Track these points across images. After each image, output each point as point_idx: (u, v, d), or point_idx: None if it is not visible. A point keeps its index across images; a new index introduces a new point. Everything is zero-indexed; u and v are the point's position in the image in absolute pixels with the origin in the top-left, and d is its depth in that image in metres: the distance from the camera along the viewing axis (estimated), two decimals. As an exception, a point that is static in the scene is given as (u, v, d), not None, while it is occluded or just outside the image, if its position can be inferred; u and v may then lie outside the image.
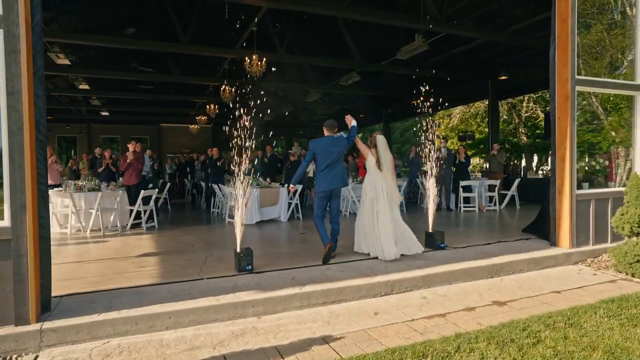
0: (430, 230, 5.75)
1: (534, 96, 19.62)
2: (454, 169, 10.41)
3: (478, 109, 21.53)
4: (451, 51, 11.83)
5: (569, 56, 5.45)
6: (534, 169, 20.74)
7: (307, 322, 3.63)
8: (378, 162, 5.34)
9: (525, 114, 20.74)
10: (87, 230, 7.38)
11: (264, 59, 10.60)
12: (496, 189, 9.98)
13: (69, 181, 9.36)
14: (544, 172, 19.13)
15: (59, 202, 7.56)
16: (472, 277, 4.73)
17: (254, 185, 8.82)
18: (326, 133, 5.27)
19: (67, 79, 14.60)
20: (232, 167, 4.61)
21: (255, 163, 11.51)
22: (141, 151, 8.81)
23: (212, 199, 10.30)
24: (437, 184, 5.95)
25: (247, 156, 4.66)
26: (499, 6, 9.27)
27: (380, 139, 5.42)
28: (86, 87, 14.35)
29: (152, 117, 23.40)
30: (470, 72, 13.55)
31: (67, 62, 10.64)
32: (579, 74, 5.67)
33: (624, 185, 5.31)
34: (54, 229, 7.40)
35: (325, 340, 3.25)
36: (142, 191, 7.57)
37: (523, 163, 21.21)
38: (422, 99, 5.85)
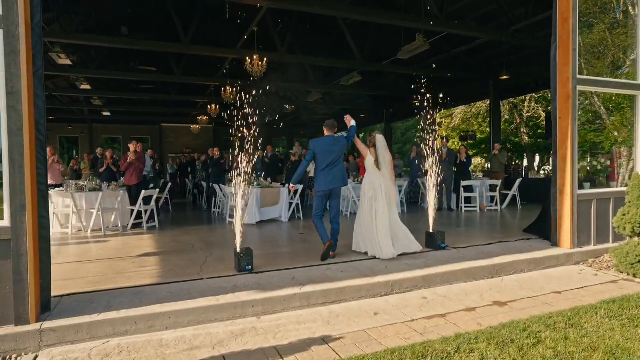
0: (430, 231, 5.73)
1: (536, 96, 19.58)
2: (455, 169, 10.39)
3: (479, 109, 21.50)
4: (452, 51, 11.82)
5: (570, 55, 5.43)
6: (536, 169, 20.70)
7: (307, 322, 3.62)
8: (377, 161, 5.37)
9: (527, 114, 20.69)
10: (88, 230, 7.40)
11: (265, 59, 10.60)
12: (497, 189, 9.95)
13: (70, 181, 9.38)
14: (546, 172, 19.10)
15: (60, 202, 7.57)
16: (472, 278, 4.72)
17: (254, 185, 8.82)
18: (326, 133, 5.30)
19: (68, 79, 14.64)
20: (228, 166, 4.61)
21: (255, 163, 11.53)
22: (142, 151, 8.82)
23: (213, 199, 10.30)
24: (439, 185, 5.94)
25: (247, 156, 4.66)
26: (499, 6, 9.25)
27: (380, 139, 5.44)
28: (87, 87, 14.39)
29: (153, 117, 23.45)
30: (471, 72, 13.53)
31: (68, 62, 10.66)
32: (580, 73, 5.65)
33: (627, 186, 5.29)
34: (55, 228, 7.44)
35: (324, 340, 3.25)
36: (143, 191, 7.58)
37: (525, 163, 21.18)
38: (422, 98, 5.84)
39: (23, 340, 3.10)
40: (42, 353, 3.09)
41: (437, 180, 5.70)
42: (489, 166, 11.61)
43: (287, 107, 18.34)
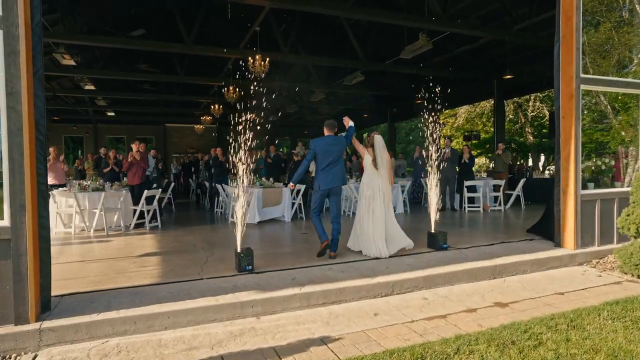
0: (432, 231, 5.70)
1: (541, 95, 19.45)
2: (458, 169, 10.34)
3: (484, 109, 21.40)
4: (455, 50, 11.77)
5: (573, 54, 5.38)
6: (541, 168, 20.56)
7: (306, 322, 3.61)
8: (374, 161, 5.42)
9: (532, 114, 20.57)
10: (91, 230, 7.42)
11: (267, 59, 10.60)
12: (501, 189, 9.89)
13: (74, 181, 9.42)
14: (551, 172, 18.95)
15: (64, 202, 7.61)
16: (474, 278, 4.68)
17: (257, 185, 8.83)
18: (326, 133, 5.36)
19: (73, 80, 14.72)
20: (229, 166, 4.62)
21: (258, 163, 11.54)
22: (145, 151, 8.85)
23: (216, 198, 10.32)
24: (441, 185, 5.92)
25: (249, 156, 4.66)
26: (502, 5, 9.19)
27: (378, 139, 5.49)
28: (92, 87, 14.46)
29: (157, 118, 23.55)
30: (475, 71, 13.46)
31: (72, 62, 10.72)
32: (586, 72, 5.60)
33: (631, 186, 5.23)
34: (59, 228, 7.49)
35: (323, 341, 3.23)
36: (146, 191, 7.60)
37: (530, 163, 21.05)
38: (425, 98, 5.83)
39: (23, 340, 3.11)
40: (41, 352, 3.10)
41: (439, 180, 5.68)
42: (493, 166, 11.55)
43: (283, 108, 18.31)
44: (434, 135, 5.74)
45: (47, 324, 3.21)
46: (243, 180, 4.60)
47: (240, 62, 10.41)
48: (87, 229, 7.44)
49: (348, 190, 9.13)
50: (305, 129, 26.09)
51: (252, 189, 8.58)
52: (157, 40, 10.79)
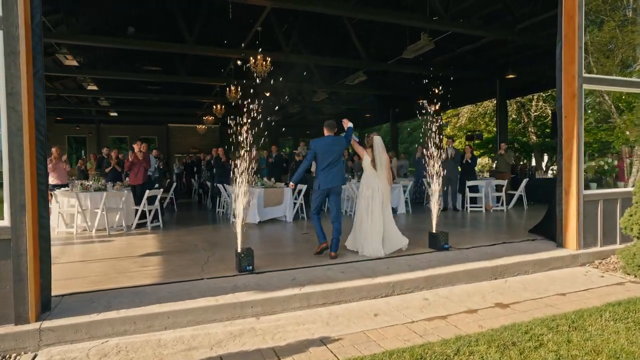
0: (434, 231, 5.68)
1: (544, 95, 19.36)
2: (460, 169, 10.30)
3: (486, 108, 21.32)
4: (458, 50, 11.73)
5: (575, 54, 5.34)
6: (544, 168, 20.47)
7: (306, 323, 3.60)
8: (373, 161, 5.47)
9: (535, 113, 20.48)
10: (93, 230, 7.45)
11: (269, 59, 10.60)
12: (503, 189, 9.84)
13: (76, 181, 9.45)
14: (554, 171, 18.85)
15: (66, 202, 7.63)
16: (475, 279, 4.66)
17: (258, 185, 8.83)
18: (326, 133, 5.41)
19: (76, 80, 14.78)
20: (229, 166, 4.62)
21: (259, 163, 11.54)
22: (147, 151, 8.87)
23: (218, 198, 10.33)
24: (443, 185, 5.91)
25: (250, 156, 4.66)
26: (505, 4, 9.16)
27: (377, 140, 5.53)
28: (94, 87, 14.53)
29: (160, 118, 23.61)
30: (477, 71, 13.42)
31: (74, 63, 10.77)
32: (590, 72, 5.57)
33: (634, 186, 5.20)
34: (61, 228, 7.52)
35: (323, 341, 3.22)
36: (147, 191, 7.61)
37: (533, 163, 20.96)
38: (427, 97, 5.82)
39: (23, 340, 3.12)
40: (41, 352, 3.10)
41: (442, 179, 5.68)
42: (495, 166, 11.50)
43: (286, 108, 18.28)
44: (436, 135, 5.74)
45: (47, 323, 3.21)
46: (243, 180, 4.59)
47: (238, 63, 10.41)
48: (89, 229, 7.47)
49: (350, 189, 9.11)
50: (307, 129, 26.08)
51: (253, 189, 8.59)
52: (158, 40, 10.82)
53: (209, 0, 9.93)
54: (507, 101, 15.45)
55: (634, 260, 4.74)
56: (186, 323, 3.51)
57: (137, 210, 7.83)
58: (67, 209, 7.58)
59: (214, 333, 3.39)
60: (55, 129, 21.37)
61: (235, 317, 3.65)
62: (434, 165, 5.65)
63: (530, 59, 11.97)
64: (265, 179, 9.53)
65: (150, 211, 7.84)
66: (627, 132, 6.78)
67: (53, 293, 3.62)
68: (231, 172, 4.59)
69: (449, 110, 21.20)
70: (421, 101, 6.02)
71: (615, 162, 6.36)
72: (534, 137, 20.86)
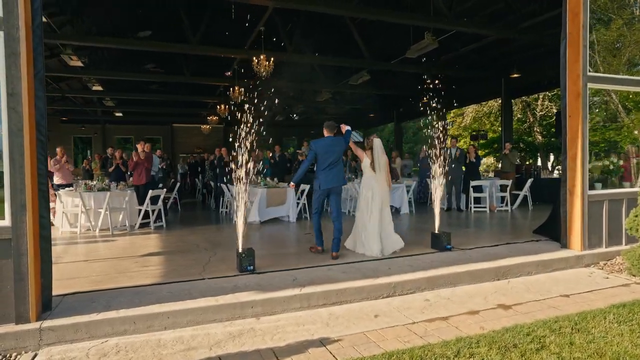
0: (436, 231, 5.64)
1: (549, 94, 19.20)
2: (464, 169, 10.24)
3: (491, 108, 21.19)
4: (462, 49, 11.66)
5: (580, 52, 5.28)
6: (550, 168, 20.31)
7: (306, 323, 3.59)
8: (372, 163, 5.51)
9: (540, 113, 20.31)
10: (96, 230, 7.48)
11: (272, 59, 10.60)
12: (508, 189, 9.77)
13: (80, 181, 9.51)
14: (560, 171, 18.68)
15: (70, 202, 7.68)
16: (477, 280, 4.62)
17: (261, 185, 8.83)
18: (326, 134, 5.46)
19: (81, 81, 14.88)
20: (229, 167, 4.63)
21: (262, 163, 11.53)
22: (150, 151, 8.89)
23: (221, 198, 10.34)
24: (447, 185, 5.89)
25: (253, 156, 4.67)
26: (508, 3, 9.09)
27: (377, 142, 5.59)
28: (99, 88, 14.60)
29: (165, 118, 23.72)
30: (481, 70, 13.32)
31: (79, 64, 10.81)
32: (596, 71, 5.50)
33: None
34: (65, 227, 7.56)
35: (322, 342, 3.21)
36: (150, 191, 7.64)
37: (539, 162, 20.80)
38: (431, 97, 5.80)
39: (23, 339, 3.14)
40: (41, 352, 3.12)
41: (445, 179, 5.66)
42: (500, 166, 11.42)
43: (290, 108, 18.25)
44: (441, 135, 5.71)
45: (47, 323, 3.22)
46: (243, 180, 4.59)
47: (239, 65, 10.42)
48: (93, 229, 7.50)
49: (353, 190, 9.09)
50: (311, 129, 26.06)
51: (256, 188, 8.59)
52: (163, 41, 10.86)
53: (212, 1, 9.95)
54: (512, 100, 15.33)
55: (639, 261, 4.68)
56: (186, 323, 3.50)
57: (140, 210, 7.86)
58: (71, 209, 7.62)
59: (214, 333, 3.39)
60: (61, 129, 21.55)
61: (235, 317, 3.64)
62: (437, 165, 5.62)
63: (535, 58, 11.87)
64: (268, 179, 9.53)
65: (153, 211, 7.86)
66: (635, 132, 6.70)
67: (54, 292, 3.63)
68: (226, 172, 4.60)
69: (454, 110, 21.09)
70: (425, 101, 6.00)
71: (621, 162, 6.28)
72: (540, 137, 20.69)
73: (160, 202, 7.97)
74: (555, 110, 19.36)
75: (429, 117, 5.87)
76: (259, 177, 9.49)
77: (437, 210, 5.72)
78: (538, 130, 20.81)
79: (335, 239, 5.19)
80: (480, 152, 14.48)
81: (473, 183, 9.66)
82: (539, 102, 20.14)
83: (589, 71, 5.42)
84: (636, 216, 4.88)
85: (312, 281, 4.22)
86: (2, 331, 3.11)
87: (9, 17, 3.14)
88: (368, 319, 3.66)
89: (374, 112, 20.68)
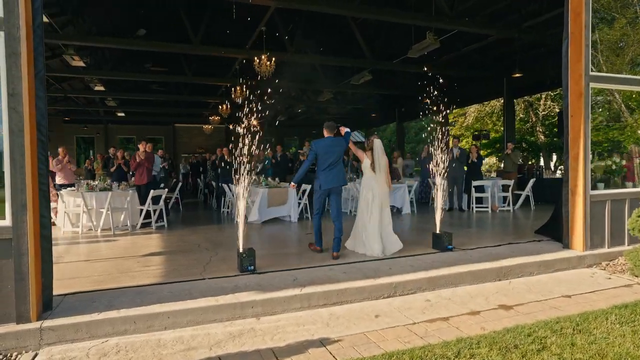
0: (437, 231, 5.63)
1: (552, 94, 19.14)
2: (466, 169, 10.21)
3: (494, 108, 21.14)
4: (464, 49, 11.63)
5: (582, 52, 5.26)
6: (552, 168, 20.24)
7: (306, 323, 3.58)
8: (373, 164, 5.52)
9: (543, 112, 20.25)
10: (98, 230, 7.50)
11: (273, 59, 10.59)
12: (510, 189, 9.74)
13: (82, 181, 9.53)
14: (562, 171, 18.62)
15: (71, 202, 7.70)
16: (479, 280, 4.61)
17: (262, 185, 8.83)
18: (326, 134, 5.47)
19: (83, 81, 14.92)
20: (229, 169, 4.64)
21: (265, 163, 11.54)
22: (152, 151, 8.91)
23: (223, 198, 10.35)
24: (449, 185, 5.89)
25: (255, 156, 4.68)
26: (510, 2, 9.06)
27: (377, 143, 5.59)
28: (101, 88, 14.64)
29: (167, 118, 23.77)
30: (484, 70, 13.29)
31: (81, 64, 10.86)
32: (599, 70, 5.47)
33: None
34: (67, 227, 7.58)
35: (322, 342, 3.20)
36: (152, 191, 7.65)
37: (541, 162, 20.74)
38: (433, 97, 5.79)
39: (24, 339, 3.14)
40: (42, 351, 3.12)
41: (446, 179, 5.66)
42: (503, 166, 11.39)
43: (291, 108, 18.21)
44: (442, 135, 5.70)
45: (47, 323, 3.23)
46: (244, 180, 4.59)
47: (241, 66, 10.42)
48: (95, 229, 7.52)
49: (354, 190, 9.08)
50: (313, 129, 26.07)
51: (257, 188, 8.59)
52: (164, 41, 10.87)
53: (212, 1, 9.95)
54: (515, 100, 15.28)
55: (641, 261, 4.65)
56: (186, 323, 3.51)
57: (141, 210, 7.87)
58: (73, 209, 7.64)
59: (214, 333, 3.39)
60: (64, 129, 21.62)
61: (236, 317, 3.64)
62: (438, 165, 5.61)
63: (538, 58, 11.83)
64: (269, 178, 9.53)
65: (154, 211, 7.87)
66: (639, 131, 6.67)
67: (56, 292, 3.64)
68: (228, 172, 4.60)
69: (456, 110, 21.04)
70: (427, 100, 5.99)
71: (624, 162, 6.25)
72: (542, 137, 20.63)
73: (161, 202, 7.98)
74: (558, 110, 19.30)
75: (431, 117, 5.86)
76: (261, 177, 9.50)
77: (438, 210, 5.71)
78: (541, 130, 20.74)
79: (335, 239, 5.19)
80: (482, 152, 14.46)
81: (475, 183, 9.64)
82: (542, 102, 20.07)
83: (592, 71, 5.39)
84: (639, 216, 4.85)
85: (312, 281, 4.21)
86: (3, 331, 3.12)
87: (10, 17, 3.15)
88: (369, 319, 3.65)
89: (376, 112, 20.65)
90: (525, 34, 9.62)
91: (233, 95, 13.62)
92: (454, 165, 9.07)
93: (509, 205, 9.80)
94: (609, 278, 4.83)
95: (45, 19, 8.88)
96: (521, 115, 20.89)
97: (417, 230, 7.62)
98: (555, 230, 5.92)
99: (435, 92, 5.91)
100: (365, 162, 5.57)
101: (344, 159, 11.37)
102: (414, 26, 9.84)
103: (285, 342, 3.22)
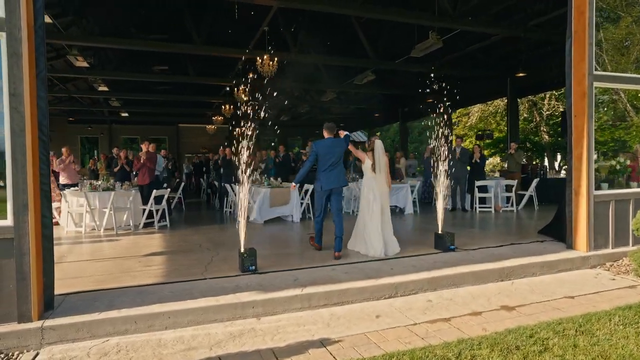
0: (439, 232, 5.60)
1: (556, 93, 19.03)
2: (469, 169, 10.16)
3: (497, 107, 21.04)
4: (467, 48, 11.59)
5: (586, 51, 5.21)
6: (557, 168, 20.12)
7: (307, 324, 3.57)
8: (373, 164, 5.53)
9: (547, 112, 20.13)
10: (101, 229, 7.53)
11: (276, 59, 10.59)
12: (513, 189, 9.68)
13: (85, 180, 9.57)
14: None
15: (75, 201, 7.73)
16: (481, 281, 4.58)
17: (264, 185, 8.83)
18: (326, 135, 5.49)
19: (87, 81, 14.99)
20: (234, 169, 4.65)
21: (267, 163, 11.55)
22: (155, 151, 8.93)
23: (225, 198, 10.36)
24: (452, 185, 5.87)
25: (258, 156, 4.68)
26: (515, 2, 9.01)
27: (378, 144, 5.61)
28: (105, 88, 14.70)
29: (170, 118, 23.85)
30: (487, 70, 13.23)
31: (85, 64, 10.91)
32: (604, 69, 5.43)
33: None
34: (70, 227, 7.61)
35: (323, 343, 3.19)
36: (154, 191, 7.67)
37: (545, 162, 20.62)
38: (436, 97, 5.77)
39: (25, 338, 3.15)
40: (43, 351, 3.13)
41: (449, 179, 5.65)
42: (506, 166, 11.33)
43: (294, 108, 18.16)
44: (445, 135, 5.68)
45: (49, 322, 3.24)
46: (245, 180, 4.59)
47: (243, 66, 10.42)
48: (97, 228, 7.55)
49: (356, 190, 9.06)
50: (316, 129, 26.04)
51: (259, 188, 8.59)
52: (167, 41, 10.90)
53: (216, 1, 9.97)
54: (519, 100, 15.20)
55: (646, 262, 4.61)
56: (187, 323, 3.51)
57: (144, 210, 7.90)
58: (76, 209, 7.68)
59: (214, 333, 3.39)
60: (68, 130, 21.74)
61: (236, 317, 3.64)
62: (441, 164, 5.59)
63: (542, 57, 11.76)
64: (272, 178, 9.53)
65: (157, 211, 7.89)
66: None
67: (58, 292, 3.65)
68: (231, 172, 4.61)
69: (460, 109, 20.97)
70: (430, 100, 5.98)
71: (628, 162, 6.19)
72: (546, 137, 20.51)
73: (164, 202, 8.00)
74: (562, 110, 19.17)
75: (434, 117, 5.85)
76: (263, 177, 9.50)
77: (440, 210, 5.68)
78: (545, 129, 20.63)
79: (337, 238, 5.19)
80: (485, 152, 14.39)
81: (478, 183, 9.59)
82: (546, 102, 19.96)
83: (596, 70, 5.35)
84: (643, 217, 4.81)
85: (313, 281, 4.20)
86: (4, 330, 3.13)
87: (11, 18, 3.16)
88: (369, 320, 3.64)
89: (379, 112, 20.61)
90: (531, 32, 9.57)
91: (235, 96, 13.65)
92: (455, 163, 9.03)
93: (512, 205, 9.75)
94: (613, 279, 4.78)
95: (48, 20, 8.96)
96: (525, 115, 20.77)
97: (419, 230, 7.60)
98: (558, 231, 5.88)
99: (438, 92, 5.90)
100: (367, 163, 5.58)
101: (350, 159, 11.37)
102: (417, 26, 9.82)
103: (286, 342, 3.22)
